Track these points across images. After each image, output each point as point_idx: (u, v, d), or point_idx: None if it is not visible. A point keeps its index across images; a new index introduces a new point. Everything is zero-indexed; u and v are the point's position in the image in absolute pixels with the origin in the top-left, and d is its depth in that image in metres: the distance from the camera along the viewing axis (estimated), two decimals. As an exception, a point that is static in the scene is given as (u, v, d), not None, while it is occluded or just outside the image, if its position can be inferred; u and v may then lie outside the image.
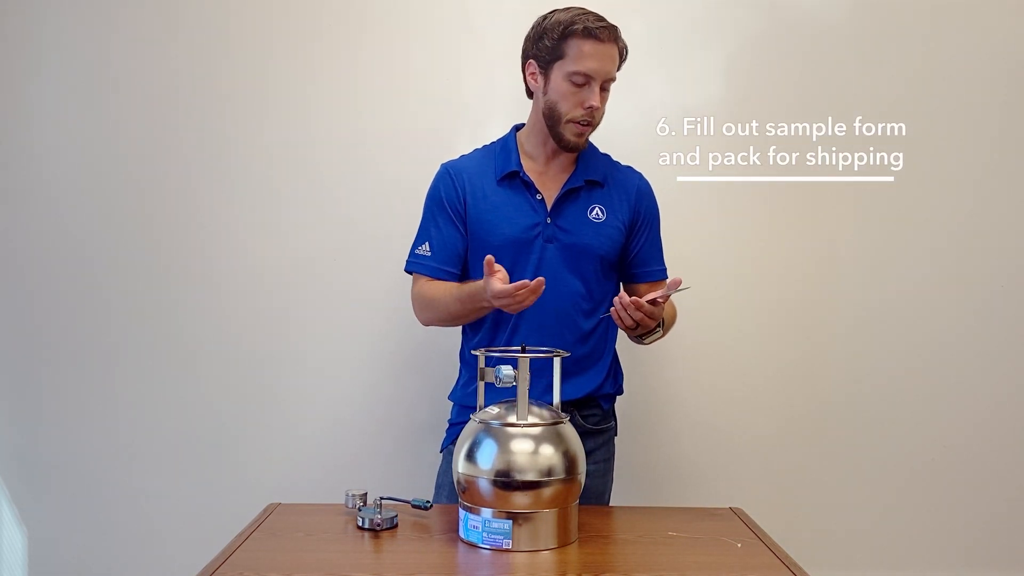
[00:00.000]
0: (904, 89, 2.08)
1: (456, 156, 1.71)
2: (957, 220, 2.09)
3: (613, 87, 1.59)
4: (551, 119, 1.58)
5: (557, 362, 1.40)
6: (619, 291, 1.71)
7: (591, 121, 1.58)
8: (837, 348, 2.10)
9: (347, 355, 2.08)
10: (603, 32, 1.53)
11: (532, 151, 1.65)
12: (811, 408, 2.10)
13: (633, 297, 1.47)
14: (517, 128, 1.70)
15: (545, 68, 1.58)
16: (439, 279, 1.63)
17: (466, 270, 1.66)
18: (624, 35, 1.57)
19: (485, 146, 1.72)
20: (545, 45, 1.56)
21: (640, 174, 1.72)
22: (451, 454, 1.45)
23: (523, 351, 1.36)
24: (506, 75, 1.94)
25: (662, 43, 2.07)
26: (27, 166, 2.07)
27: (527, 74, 1.63)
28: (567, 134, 1.58)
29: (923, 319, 2.09)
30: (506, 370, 1.34)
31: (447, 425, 1.74)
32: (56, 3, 2.05)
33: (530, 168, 1.64)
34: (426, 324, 1.68)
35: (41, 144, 2.07)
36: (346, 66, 2.06)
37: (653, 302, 1.46)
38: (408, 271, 1.68)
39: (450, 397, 1.75)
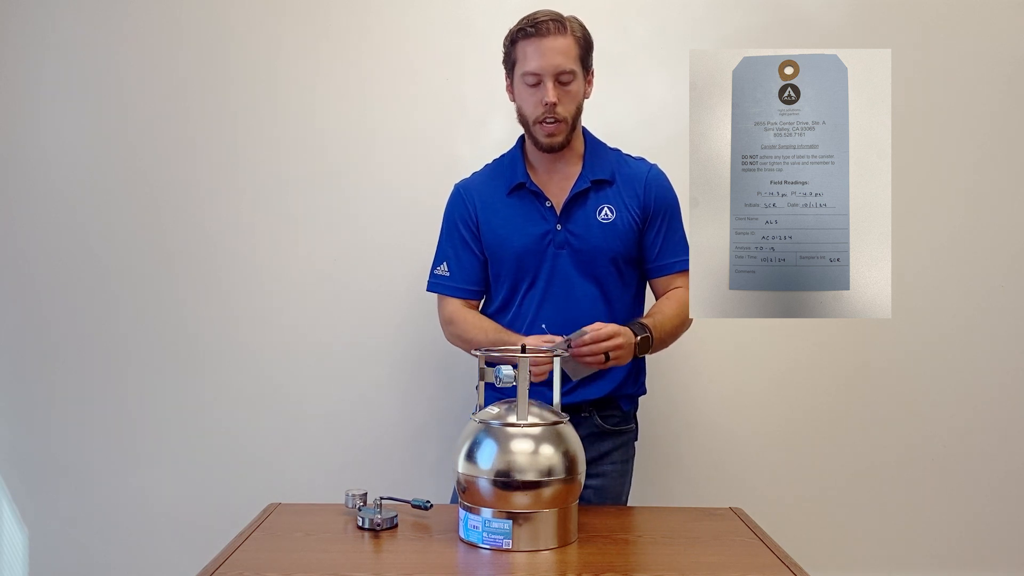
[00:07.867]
0: (903, 87, 2.08)
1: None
2: (955, 220, 2.09)
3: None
4: (523, 124, 1.61)
5: (557, 362, 1.40)
6: (643, 290, 1.69)
7: (556, 117, 1.54)
8: (837, 348, 2.10)
9: (347, 355, 2.08)
10: (542, 27, 1.52)
11: (534, 159, 1.66)
12: (811, 408, 2.10)
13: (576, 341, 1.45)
14: (523, 138, 1.69)
15: (510, 77, 1.61)
16: (464, 299, 1.67)
17: (487, 285, 1.68)
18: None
19: (495, 160, 1.72)
20: (505, 56, 1.60)
21: (653, 165, 1.67)
22: None
23: (523, 351, 1.36)
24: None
25: (662, 43, 2.07)
26: (34, 166, 2.07)
27: (507, 88, 1.64)
28: (538, 135, 1.58)
29: (923, 319, 2.09)
30: (506, 370, 1.34)
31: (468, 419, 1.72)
32: (63, 1, 2.05)
33: (536, 177, 1.64)
34: (452, 343, 1.70)
35: (48, 145, 2.07)
36: (348, 68, 2.07)
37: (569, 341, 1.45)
38: (430, 291, 1.70)
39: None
